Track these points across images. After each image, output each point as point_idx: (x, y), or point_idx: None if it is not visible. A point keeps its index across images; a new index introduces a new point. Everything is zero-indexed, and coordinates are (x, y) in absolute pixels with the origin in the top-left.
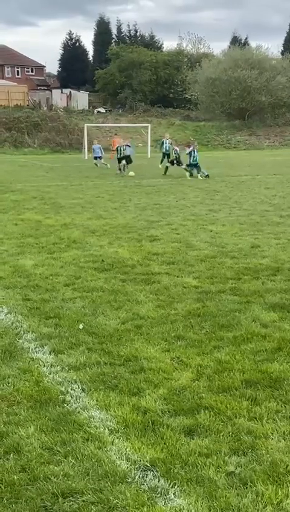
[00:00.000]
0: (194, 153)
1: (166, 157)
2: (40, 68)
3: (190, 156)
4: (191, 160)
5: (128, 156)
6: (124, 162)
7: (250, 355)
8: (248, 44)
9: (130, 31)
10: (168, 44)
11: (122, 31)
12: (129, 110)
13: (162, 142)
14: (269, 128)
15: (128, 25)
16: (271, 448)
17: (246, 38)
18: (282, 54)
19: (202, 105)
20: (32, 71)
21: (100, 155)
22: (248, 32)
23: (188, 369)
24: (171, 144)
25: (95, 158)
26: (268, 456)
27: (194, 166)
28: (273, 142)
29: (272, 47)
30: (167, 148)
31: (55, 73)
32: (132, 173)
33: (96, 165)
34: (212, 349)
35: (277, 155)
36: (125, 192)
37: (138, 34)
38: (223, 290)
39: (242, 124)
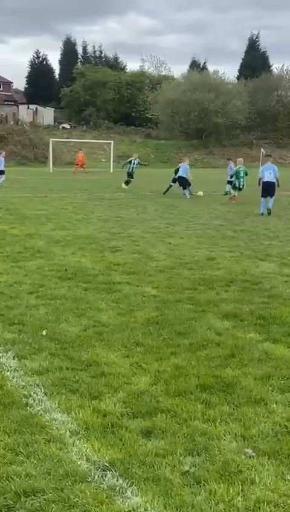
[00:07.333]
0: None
1: (130, 176)
2: (7, 84)
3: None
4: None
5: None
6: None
7: (205, 361)
8: (206, 69)
9: (95, 51)
10: (131, 65)
11: (88, 51)
12: (93, 127)
13: (130, 161)
14: (224, 148)
15: (94, 46)
16: (223, 449)
17: (205, 62)
18: (238, 78)
19: (162, 125)
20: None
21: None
22: (207, 57)
23: (146, 374)
24: (138, 163)
25: None
26: (220, 456)
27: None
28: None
29: (229, 71)
30: (133, 169)
31: (22, 89)
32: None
33: None
34: (170, 355)
35: None
36: (88, 205)
37: (102, 55)
38: (180, 299)
39: (199, 143)
